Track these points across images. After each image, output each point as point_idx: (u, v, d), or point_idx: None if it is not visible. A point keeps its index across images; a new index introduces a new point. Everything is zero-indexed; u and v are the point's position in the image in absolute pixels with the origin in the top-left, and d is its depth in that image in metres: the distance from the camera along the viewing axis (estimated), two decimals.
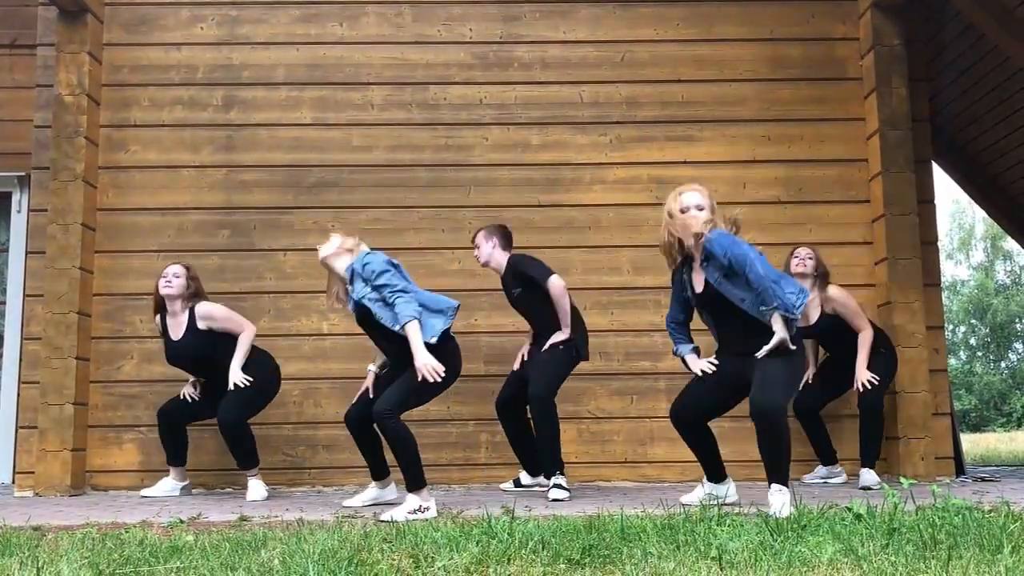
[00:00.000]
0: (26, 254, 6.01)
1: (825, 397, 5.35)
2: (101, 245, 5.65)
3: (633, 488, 5.26)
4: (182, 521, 3.74)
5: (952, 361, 37.95)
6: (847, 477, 5.34)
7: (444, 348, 4.16)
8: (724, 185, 5.80)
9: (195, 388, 5.14)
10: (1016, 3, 5.50)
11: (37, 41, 5.88)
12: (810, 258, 5.21)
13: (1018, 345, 40.11)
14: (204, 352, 5.00)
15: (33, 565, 2.65)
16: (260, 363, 5.06)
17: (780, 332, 3.84)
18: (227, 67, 5.87)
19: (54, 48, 5.67)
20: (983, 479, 5.63)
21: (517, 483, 5.20)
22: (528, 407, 4.87)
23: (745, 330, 3.95)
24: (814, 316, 5.20)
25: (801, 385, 4.90)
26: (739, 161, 5.84)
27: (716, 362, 4.13)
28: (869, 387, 5.01)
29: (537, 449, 4.86)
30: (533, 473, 5.13)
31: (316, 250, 4.48)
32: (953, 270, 41.36)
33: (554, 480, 4.64)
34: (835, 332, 5.21)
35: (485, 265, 5.07)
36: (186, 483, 5.20)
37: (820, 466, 5.38)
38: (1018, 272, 40.79)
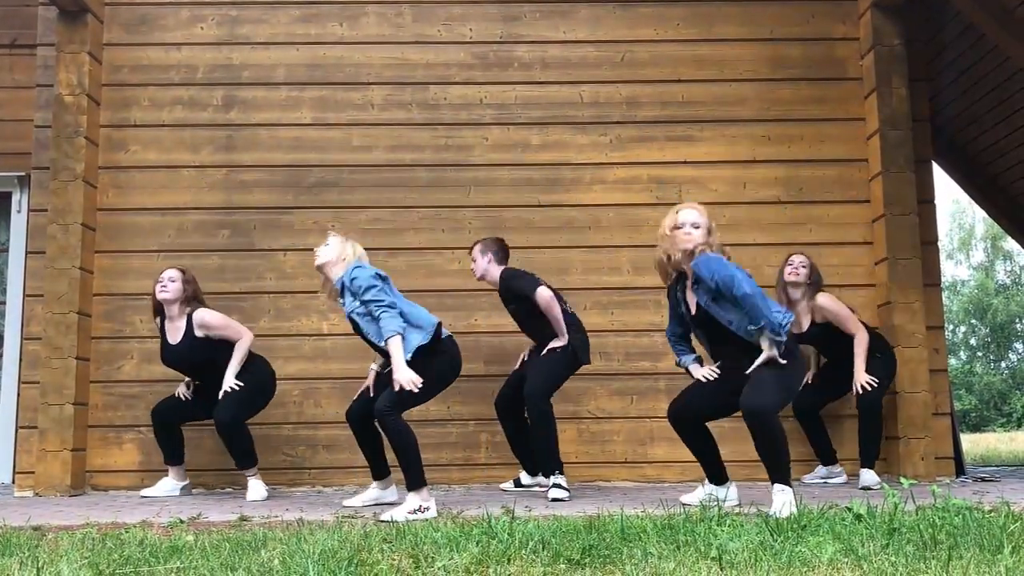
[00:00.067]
0: (26, 254, 6.01)
1: (824, 398, 5.36)
2: (101, 245, 5.65)
3: (633, 488, 5.26)
4: (182, 521, 3.74)
5: (952, 361, 37.95)
6: (847, 477, 5.34)
7: (437, 349, 4.22)
8: (724, 185, 5.81)
9: (188, 388, 5.15)
10: (1016, 3, 5.50)
11: (37, 41, 5.88)
12: (804, 266, 5.23)
13: (1018, 345, 40.11)
14: (200, 357, 5.01)
15: (33, 565, 2.65)
16: (256, 367, 5.07)
17: (768, 351, 3.88)
18: (227, 67, 5.87)
19: (54, 48, 5.67)
20: (983, 479, 5.62)
21: (517, 483, 5.21)
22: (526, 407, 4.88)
23: (736, 350, 4.01)
24: (805, 324, 5.23)
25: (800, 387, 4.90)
26: (739, 161, 5.84)
27: (717, 371, 4.18)
28: (868, 389, 5.02)
29: (534, 449, 4.88)
30: (533, 473, 5.14)
31: (316, 250, 4.49)
32: (953, 270, 41.40)
33: (553, 480, 4.64)
34: (827, 339, 5.23)
35: (481, 279, 5.11)
36: (186, 483, 5.20)
37: (820, 466, 5.39)
38: (1018, 272, 40.78)
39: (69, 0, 5.49)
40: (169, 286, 5.01)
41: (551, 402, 4.77)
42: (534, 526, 3.15)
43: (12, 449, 6.06)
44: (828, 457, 5.35)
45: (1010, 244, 36.76)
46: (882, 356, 5.16)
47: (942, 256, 21.75)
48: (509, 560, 2.63)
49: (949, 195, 42.69)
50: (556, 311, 4.80)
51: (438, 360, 4.25)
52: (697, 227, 4.02)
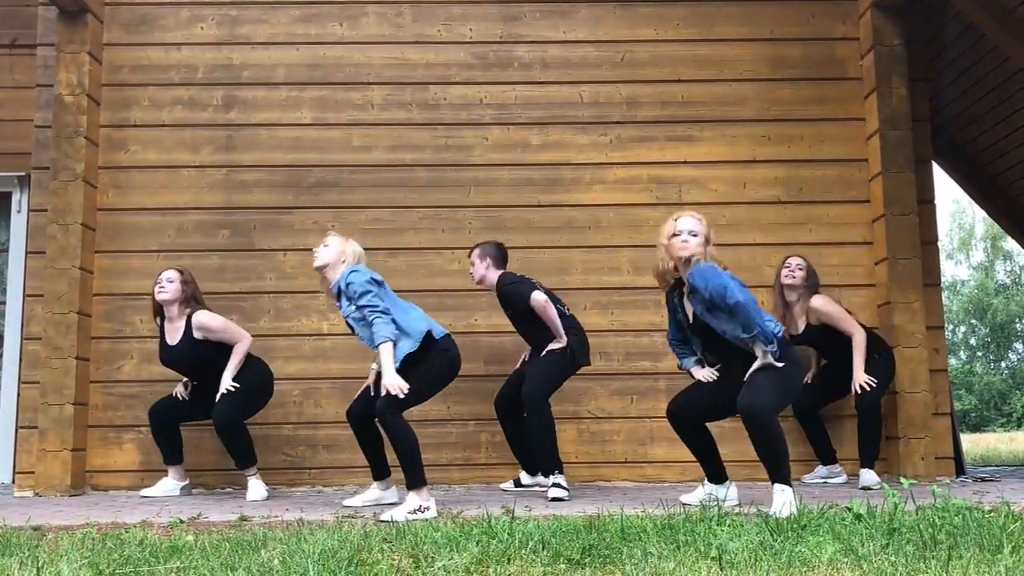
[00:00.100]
0: (26, 254, 6.01)
1: (825, 398, 5.37)
2: (101, 245, 5.65)
3: (633, 488, 5.26)
4: (182, 521, 3.74)
5: (952, 361, 37.95)
6: (847, 477, 5.34)
7: (435, 348, 4.26)
8: (724, 185, 5.81)
9: (186, 388, 5.15)
10: (1016, 3, 5.50)
11: (37, 41, 5.88)
12: (800, 269, 5.23)
13: (1018, 345, 40.10)
14: (199, 358, 5.02)
15: (33, 565, 2.65)
16: (254, 368, 5.08)
17: (762, 359, 3.90)
18: (227, 67, 5.87)
19: (54, 48, 5.67)
20: (983, 479, 5.63)
21: (517, 483, 5.21)
22: None
23: (732, 358, 4.06)
24: (800, 326, 5.24)
25: (800, 388, 4.91)
26: (739, 161, 5.84)
27: (718, 373, 4.21)
28: (867, 389, 5.02)
29: (533, 449, 4.88)
30: (533, 473, 5.14)
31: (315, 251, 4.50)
32: (953, 270, 41.40)
33: (553, 479, 4.65)
34: (824, 341, 5.25)
35: (479, 283, 5.12)
36: (186, 483, 5.20)
37: (820, 466, 5.39)
38: (1018, 272, 40.78)
39: (69, 0, 5.49)
40: (167, 287, 5.01)
41: (549, 402, 4.77)
42: (534, 526, 3.15)
43: (12, 449, 6.06)
44: (828, 457, 5.36)
45: (1010, 244, 36.76)
46: (880, 357, 5.16)
47: (942, 256, 21.76)
48: (509, 560, 2.63)
49: (949, 195, 42.72)
50: (551, 314, 4.82)
51: (437, 359, 4.26)
52: (695, 235, 4.01)
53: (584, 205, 5.78)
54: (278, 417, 5.52)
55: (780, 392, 3.90)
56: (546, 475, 4.73)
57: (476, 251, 5.10)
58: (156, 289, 5.02)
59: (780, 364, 3.88)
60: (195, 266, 5.39)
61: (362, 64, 5.90)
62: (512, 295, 4.92)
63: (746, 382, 3.91)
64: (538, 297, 4.82)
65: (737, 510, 3.84)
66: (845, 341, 5.12)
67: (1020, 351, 40.21)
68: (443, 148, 5.82)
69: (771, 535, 2.90)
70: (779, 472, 3.79)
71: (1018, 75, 6.68)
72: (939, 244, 6.08)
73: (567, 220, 5.77)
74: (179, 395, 5.12)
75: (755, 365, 3.91)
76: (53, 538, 3.24)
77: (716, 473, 4.32)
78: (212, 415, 4.90)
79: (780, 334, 3.95)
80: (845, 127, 5.86)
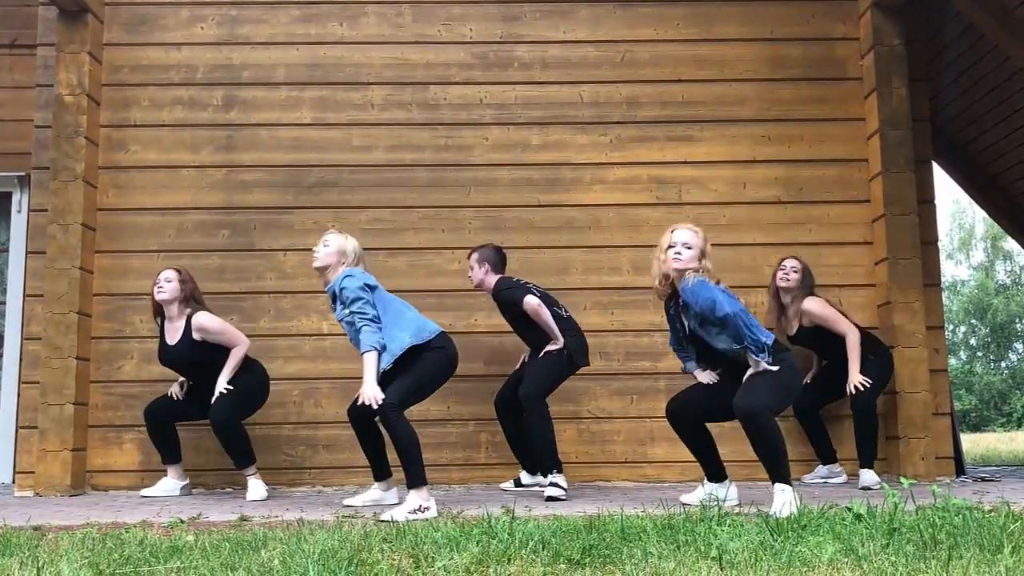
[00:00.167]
0: (26, 254, 6.01)
1: (825, 398, 5.37)
2: (101, 245, 5.65)
3: (633, 488, 5.26)
4: (182, 521, 3.74)
5: (952, 361, 37.94)
6: (847, 477, 5.34)
7: (428, 348, 4.29)
8: (724, 185, 5.81)
9: (182, 388, 5.15)
10: (1016, 3, 5.50)
11: (37, 41, 5.88)
12: (795, 271, 5.25)
13: (1018, 345, 40.10)
14: (198, 358, 5.02)
15: (33, 565, 2.65)
16: (252, 370, 5.09)
17: (754, 368, 3.95)
18: (227, 67, 5.87)
19: (54, 48, 5.67)
20: (983, 479, 5.62)
21: (517, 483, 5.21)
22: None
23: (731, 363, 4.11)
24: (794, 328, 5.25)
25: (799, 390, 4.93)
26: (739, 161, 5.84)
27: (718, 375, 4.27)
28: (862, 389, 5.02)
29: (533, 449, 4.90)
30: (533, 472, 5.15)
31: (315, 251, 4.51)
32: (953, 270, 41.39)
33: (551, 479, 4.65)
34: (818, 341, 5.26)
35: (478, 287, 5.13)
36: (186, 482, 5.20)
37: (820, 466, 5.39)
38: (1018, 272, 40.77)
39: (69, 0, 5.49)
40: (165, 287, 5.01)
41: (547, 402, 4.78)
42: (534, 526, 3.15)
43: (12, 449, 6.06)
44: (828, 456, 5.36)
45: (1010, 244, 36.75)
46: (875, 357, 5.16)
47: (942, 256, 21.72)
48: (509, 560, 2.63)
49: (949, 195, 42.70)
50: (545, 318, 4.83)
51: (434, 357, 4.28)
52: (689, 247, 4.03)
53: (584, 205, 5.78)
54: (278, 417, 5.52)
55: (777, 393, 3.91)
56: (545, 475, 4.74)
57: (474, 255, 5.11)
58: (155, 289, 5.03)
59: (775, 368, 3.92)
60: (195, 266, 5.39)
61: (362, 64, 5.89)
62: (507, 300, 4.96)
63: (743, 384, 3.95)
64: (531, 301, 4.83)
65: (737, 510, 3.84)
66: (840, 342, 5.12)
67: (1020, 351, 40.21)
68: (443, 148, 5.82)
69: (771, 535, 2.90)
70: (778, 472, 3.80)
71: (1018, 75, 6.68)
72: (939, 244, 6.08)
73: (567, 220, 5.77)
74: (174, 395, 5.13)
75: (749, 372, 3.97)
76: (53, 538, 3.24)
77: (716, 472, 4.33)
78: (209, 415, 4.91)
79: (772, 342, 3.99)
80: (845, 127, 5.86)
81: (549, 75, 5.90)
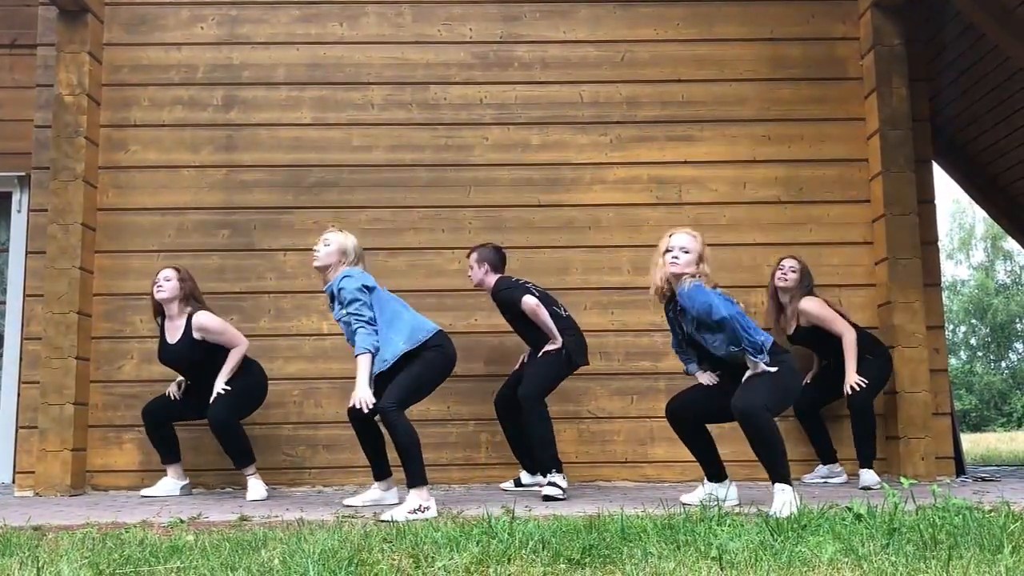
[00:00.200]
0: (26, 254, 6.01)
1: (825, 397, 5.37)
2: (101, 245, 5.65)
3: (633, 488, 5.26)
4: (182, 521, 3.74)
5: (952, 361, 37.94)
6: (847, 477, 5.34)
7: (425, 348, 4.29)
8: (724, 185, 5.81)
9: (179, 388, 5.15)
10: (1016, 3, 5.50)
11: (37, 41, 5.88)
12: (793, 271, 5.25)
13: (1018, 345, 40.09)
14: (198, 357, 5.02)
15: (33, 565, 2.65)
16: (249, 371, 5.09)
17: (753, 369, 3.97)
18: (227, 67, 5.87)
19: (54, 48, 5.67)
20: (983, 479, 5.62)
21: (517, 483, 5.21)
22: None
23: (730, 367, 4.13)
24: (792, 328, 5.26)
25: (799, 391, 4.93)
26: (739, 161, 5.84)
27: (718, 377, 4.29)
28: (858, 389, 5.02)
29: (532, 448, 4.90)
30: (533, 472, 5.14)
31: (315, 250, 4.51)
32: (953, 270, 41.39)
33: (549, 478, 4.65)
34: (816, 341, 5.26)
35: (477, 287, 5.14)
36: (186, 482, 5.20)
37: (820, 466, 5.39)
38: (1018, 272, 40.77)
39: (69, 0, 5.49)
40: (165, 285, 5.01)
41: (545, 402, 4.79)
42: (534, 526, 3.15)
43: (12, 449, 6.06)
44: (828, 456, 5.36)
45: (1010, 244, 36.75)
46: (873, 357, 5.16)
47: (942, 256, 21.70)
48: (509, 560, 2.63)
49: (949, 195, 42.70)
50: (543, 317, 4.84)
51: (432, 355, 4.30)
52: (686, 252, 4.04)
53: (584, 205, 5.78)
54: (278, 417, 5.52)
55: (774, 394, 3.92)
56: (545, 475, 4.74)
57: (474, 255, 5.12)
58: (154, 289, 5.03)
59: (773, 369, 3.93)
60: (195, 266, 5.39)
61: (362, 64, 5.89)
62: (506, 300, 4.97)
63: (741, 385, 3.97)
64: (529, 301, 4.84)
65: (737, 510, 3.85)
66: (838, 342, 5.12)
67: (1020, 351, 40.21)
68: (443, 148, 5.82)
69: (771, 535, 2.90)
70: (778, 471, 3.80)
71: (1018, 75, 6.68)
72: (939, 244, 6.08)
73: (567, 220, 5.76)
74: (171, 395, 5.13)
75: (747, 374, 3.98)
76: (53, 538, 3.24)
77: (715, 472, 4.33)
78: (207, 415, 4.92)
79: (770, 344, 3.99)
80: (845, 127, 5.86)
81: (549, 75, 5.90)
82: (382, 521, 3.76)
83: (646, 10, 5.98)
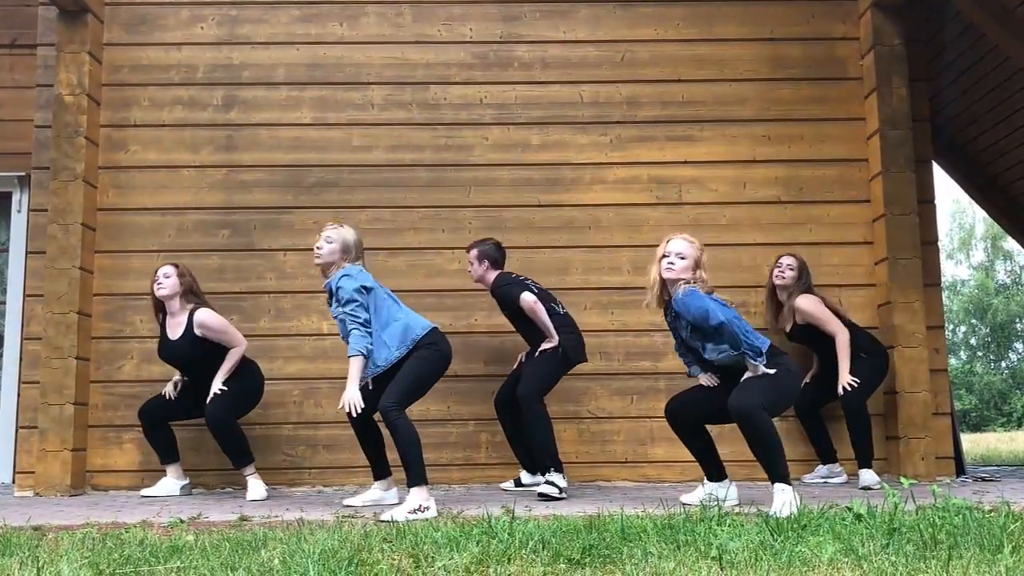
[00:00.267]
0: (26, 254, 6.01)
1: (825, 397, 5.36)
2: (101, 245, 5.65)
3: (633, 488, 5.26)
4: (182, 521, 3.74)
5: (952, 361, 37.94)
6: (847, 477, 5.34)
7: (420, 346, 4.32)
8: (724, 185, 5.81)
9: (175, 388, 5.15)
10: (1016, 3, 5.50)
11: (37, 41, 5.88)
12: (791, 268, 5.26)
13: (1018, 345, 40.09)
14: (198, 354, 5.02)
15: (33, 565, 2.65)
16: (248, 371, 5.10)
17: (752, 371, 3.98)
18: (227, 67, 5.87)
19: (54, 48, 5.67)
20: (983, 479, 5.62)
21: (518, 482, 5.21)
22: None
23: (724, 371, 4.17)
24: (789, 325, 5.26)
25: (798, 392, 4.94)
26: (739, 161, 5.84)
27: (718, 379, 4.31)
28: (850, 389, 5.02)
29: (532, 448, 4.91)
30: (533, 472, 5.14)
31: (317, 247, 4.51)
32: (953, 270, 41.38)
33: (547, 477, 4.65)
34: (813, 340, 5.27)
35: (478, 282, 5.16)
36: (186, 482, 5.20)
37: (820, 465, 5.38)
38: (1018, 272, 40.76)
39: (69, 0, 5.49)
40: (165, 282, 5.02)
41: (544, 401, 4.79)
42: (534, 526, 3.15)
43: (12, 449, 6.06)
44: (828, 456, 5.35)
45: (1010, 244, 36.75)
46: (867, 356, 5.16)
47: (942, 256, 21.69)
48: (509, 560, 2.63)
49: (949, 195, 42.69)
50: (540, 315, 4.84)
51: (427, 353, 4.31)
52: (682, 257, 4.05)
53: (584, 205, 5.78)
54: (278, 417, 5.52)
55: (772, 394, 3.92)
56: (544, 474, 4.73)
57: (474, 251, 5.12)
58: (155, 286, 5.04)
59: (772, 371, 3.94)
60: (195, 266, 5.38)
61: (362, 64, 5.89)
62: (504, 296, 4.98)
63: (739, 385, 3.99)
64: (527, 298, 4.84)
65: (737, 510, 3.85)
66: (832, 342, 5.13)
67: (1020, 351, 40.21)
68: (443, 148, 5.82)
69: (771, 535, 2.90)
70: (777, 471, 3.80)
71: (1018, 75, 6.68)
72: (939, 244, 6.08)
73: (567, 220, 5.76)
74: (168, 394, 5.13)
75: (746, 375, 4.00)
76: (53, 538, 3.24)
77: (715, 472, 4.33)
78: (205, 414, 4.92)
79: (768, 347, 4.00)
80: (845, 127, 5.86)
81: (549, 75, 5.90)
82: (382, 521, 3.76)
83: (646, 10, 5.98)
